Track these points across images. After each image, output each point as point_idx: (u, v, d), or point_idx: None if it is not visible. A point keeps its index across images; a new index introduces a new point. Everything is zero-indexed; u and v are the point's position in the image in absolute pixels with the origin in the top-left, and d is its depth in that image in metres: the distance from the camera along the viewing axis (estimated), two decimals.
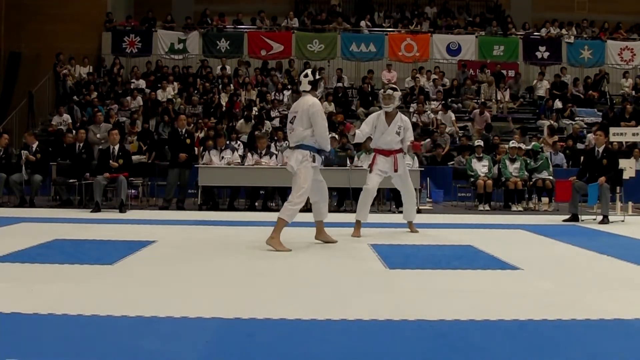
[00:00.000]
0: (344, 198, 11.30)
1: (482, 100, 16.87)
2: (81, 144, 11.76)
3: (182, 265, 5.36)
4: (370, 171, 7.56)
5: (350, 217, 9.86)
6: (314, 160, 6.24)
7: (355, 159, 11.37)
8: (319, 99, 6.59)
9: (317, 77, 6.49)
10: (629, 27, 19.77)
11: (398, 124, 7.47)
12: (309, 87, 6.36)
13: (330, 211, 10.63)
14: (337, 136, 11.78)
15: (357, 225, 7.44)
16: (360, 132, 7.63)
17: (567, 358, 3.01)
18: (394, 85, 8.09)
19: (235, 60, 18.18)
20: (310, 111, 6.18)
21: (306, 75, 6.44)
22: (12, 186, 10.74)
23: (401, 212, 10.87)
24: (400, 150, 7.52)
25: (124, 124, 14.77)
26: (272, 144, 11.98)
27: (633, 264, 5.55)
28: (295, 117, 6.32)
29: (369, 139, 11.26)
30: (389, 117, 7.51)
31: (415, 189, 10.87)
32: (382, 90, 7.79)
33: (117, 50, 18.35)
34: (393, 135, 7.45)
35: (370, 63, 18.28)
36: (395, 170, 7.47)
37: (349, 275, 4.98)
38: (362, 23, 19.05)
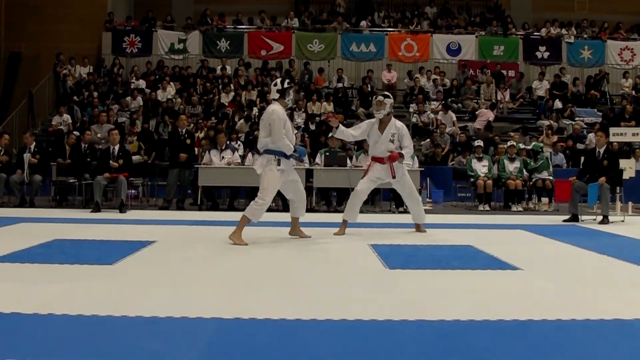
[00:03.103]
0: (343, 198, 11.29)
1: (493, 101, 16.86)
2: (86, 145, 11.77)
3: (182, 265, 5.36)
4: (364, 176, 7.56)
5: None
6: (278, 164, 6.55)
7: (354, 159, 11.37)
8: (287, 107, 6.87)
9: (286, 85, 6.77)
10: (629, 27, 19.77)
11: (392, 132, 7.41)
12: (277, 95, 6.73)
13: (329, 211, 10.72)
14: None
15: (343, 224, 7.51)
16: (348, 131, 7.59)
17: (567, 358, 3.01)
18: (386, 92, 8.08)
19: (236, 60, 18.18)
20: (270, 118, 6.55)
21: (275, 84, 6.81)
22: (12, 186, 10.74)
23: (401, 212, 10.93)
24: (400, 155, 7.44)
25: (124, 124, 14.77)
26: None
27: (633, 264, 5.55)
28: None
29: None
30: (382, 124, 7.47)
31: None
32: (374, 96, 7.82)
33: (117, 50, 18.35)
34: (387, 144, 7.41)
35: (370, 63, 18.27)
36: (393, 177, 7.45)
37: (349, 275, 4.98)
38: (363, 23, 19.05)
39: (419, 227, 7.85)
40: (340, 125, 7.50)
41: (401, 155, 7.40)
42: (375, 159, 7.51)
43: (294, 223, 7.10)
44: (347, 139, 8.14)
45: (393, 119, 7.58)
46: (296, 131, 11.80)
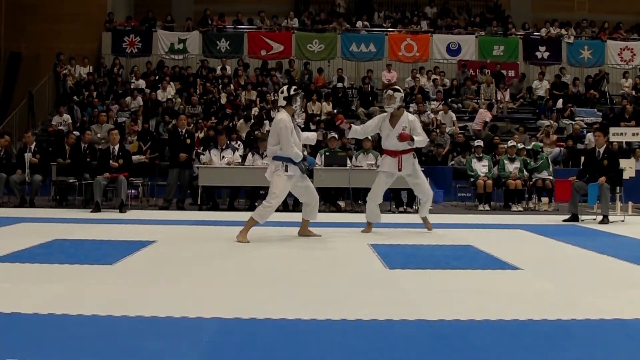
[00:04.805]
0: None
1: (491, 101, 16.86)
2: (86, 145, 11.79)
3: (182, 265, 5.36)
4: (378, 172, 7.71)
5: (350, 217, 9.87)
6: (286, 170, 6.70)
7: (354, 159, 11.38)
8: (293, 113, 6.96)
9: (292, 92, 6.86)
10: (629, 27, 19.76)
11: (403, 125, 7.47)
12: (284, 103, 6.85)
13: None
14: (336, 135, 11.81)
15: (368, 225, 7.68)
16: (360, 129, 7.82)
17: (567, 358, 3.01)
18: (396, 87, 8.13)
19: (235, 60, 18.19)
20: (277, 127, 6.69)
21: (282, 92, 6.93)
22: (12, 186, 10.74)
23: (401, 212, 10.94)
24: (408, 151, 7.52)
25: (124, 124, 14.78)
26: None
27: (633, 264, 5.55)
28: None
29: (367, 139, 11.34)
30: (394, 118, 7.55)
31: None
32: (384, 91, 7.88)
33: (117, 50, 18.35)
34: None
35: (370, 63, 18.28)
36: (399, 170, 7.52)
37: (349, 275, 4.98)
38: (359, 23, 19.06)
39: (426, 223, 7.90)
40: (351, 127, 7.71)
41: (412, 138, 7.40)
42: (387, 152, 7.61)
43: (304, 224, 7.19)
44: (361, 137, 8.34)
45: (405, 112, 7.66)
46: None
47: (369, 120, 7.92)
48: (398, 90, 7.70)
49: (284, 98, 6.84)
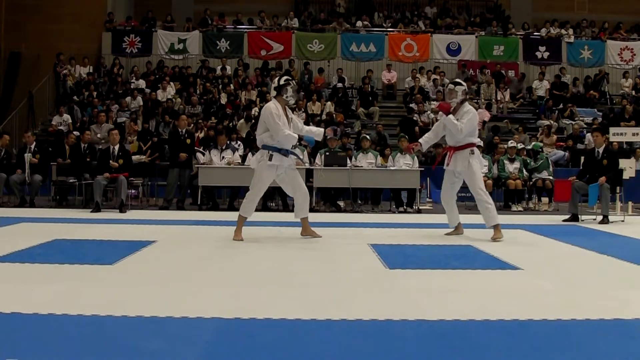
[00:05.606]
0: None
1: (490, 101, 16.86)
2: (86, 145, 11.79)
3: (182, 265, 5.36)
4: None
5: (350, 217, 9.87)
6: (270, 159, 6.68)
7: (354, 159, 11.39)
8: (288, 104, 6.90)
9: (282, 82, 6.85)
10: (629, 27, 19.78)
11: (458, 117, 7.07)
12: (274, 93, 6.87)
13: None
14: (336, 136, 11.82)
15: (458, 226, 7.46)
16: (430, 135, 7.43)
17: (567, 358, 3.01)
18: (457, 80, 7.63)
19: (235, 61, 18.20)
20: (264, 115, 6.73)
21: (273, 83, 7.00)
22: (12, 186, 10.74)
23: (401, 212, 10.92)
24: (468, 146, 7.06)
25: (124, 124, 14.78)
26: None
27: (633, 264, 5.54)
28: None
29: (366, 138, 11.30)
30: (454, 112, 7.11)
31: (415, 189, 10.91)
32: (445, 85, 7.69)
33: (117, 50, 18.37)
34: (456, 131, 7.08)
35: (370, 63, 18.29)
36: (447, 165, 7.18)
37: (349, 275, 4.98)
38: (359, 23, 19.06)
39: (495, 232, 7.09)
40: (420, 142, 7.38)
41: (442, 106, 7.09)
42: (448, 148, 7.28)
43: (304, 224, 7.04)
44: (436, 140, 7.63)
45: (466, 104, 7.18)
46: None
47: (434, 125, 7.56)
48: (459, 84, 7.28)
49: (274, 88, 6.83)
